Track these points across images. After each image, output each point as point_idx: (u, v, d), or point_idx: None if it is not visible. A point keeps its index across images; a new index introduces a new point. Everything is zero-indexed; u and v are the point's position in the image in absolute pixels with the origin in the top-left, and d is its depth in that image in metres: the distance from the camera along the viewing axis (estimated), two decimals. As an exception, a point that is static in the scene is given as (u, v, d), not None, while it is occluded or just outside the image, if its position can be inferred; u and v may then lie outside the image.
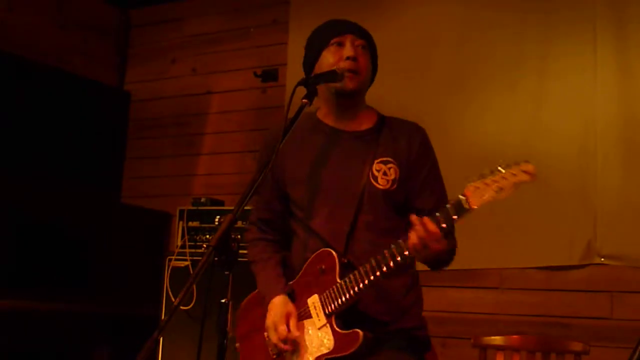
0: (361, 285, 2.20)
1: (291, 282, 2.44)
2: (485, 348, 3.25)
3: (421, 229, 2.06)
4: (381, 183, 2.35)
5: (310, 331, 2.32)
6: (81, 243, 4.53)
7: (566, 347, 3.15)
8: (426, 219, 2.06)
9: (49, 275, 4.26)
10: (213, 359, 1.89)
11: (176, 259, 4.23)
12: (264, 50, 5.15)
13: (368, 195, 2.33)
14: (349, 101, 2.43)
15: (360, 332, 2.21)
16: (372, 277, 2.18)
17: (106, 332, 4.48)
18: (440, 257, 2.20)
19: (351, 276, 2.23)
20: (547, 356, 3.16)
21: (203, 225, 4.27)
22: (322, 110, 2.51)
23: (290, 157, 2.47)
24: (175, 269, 4.21)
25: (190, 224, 4.34)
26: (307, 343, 2.32)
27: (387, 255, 2.16)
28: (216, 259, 1.78)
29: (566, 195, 3.98)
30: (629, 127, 3.91)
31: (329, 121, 2.49)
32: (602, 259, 3.87)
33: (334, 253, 2.31)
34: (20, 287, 4.09)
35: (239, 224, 4.12)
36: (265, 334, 2.42)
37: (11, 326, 3.98)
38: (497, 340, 3.24)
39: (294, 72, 4.79)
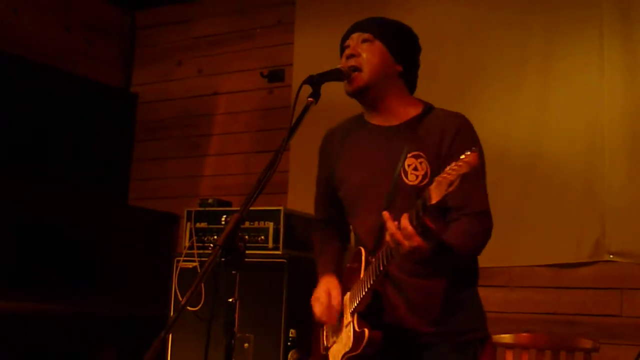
0: (371, 281, 2.18)
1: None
2: (494, 346, 3.25)
3: (391, 225, 1.99)
4: (410, 179, 2.27)
5: (342, 329, 2.34)
6: (88, 245, 4.53)
7: (576, 345, 3.14)
8: (403, 215, 1.99)
9: (56, 277, 4.27)
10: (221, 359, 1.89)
11: (184, 260, 4.23)
12: (269, 50, 5.15)
13: (398, 191, 2.27)
14: (367, 99, 2.41)
15: (367, 331, 2.20)
16: (378, 272, 2.15)
17: (114, 334, 4.48)
18: (425, 257, 2.03)
19: (366, 272, 2.23)
20: (556, 354, 3.15)
21: (211, 226, 4.26)
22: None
23: (337, 158, 2.50)
24: (184, 270, 4.20)
25: (197, 225, 4.32)
26: (339, 341, 2.35)
27: (384, 251, 2.12)
28: (223, 259, 1.78)
29: (574, 193, 3.97)
30: (636, 124, 3.88)
31: (369, 118, 2.47)
32: (611, 256, 3.85)
33: (362, 251, 2.32)
34: (28, 289, 4.09)
35: (246, 224, 4.13)
36: (323, 328, 2.48)
37: (19, 327, 3.98)
38: (506, 338, 3.24)
39: (300, 72, 4.79)
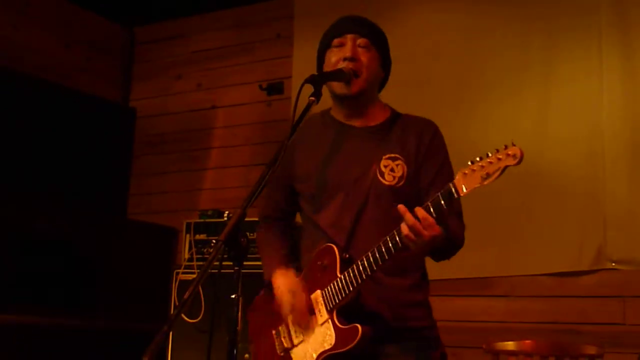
0: (359, 280, 2.18)
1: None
2: (497, 354, 3.22)
3: (410, 217, 2.03)
4: (387, 179, 2.32)
5: (314, 328, 2.30)
6: (89, 260, 4.51)
7: (580, 351, 3.13)
8: (417, 208, 2.04)
9: (55, 291, 4.24)
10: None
11: (184, 272, 4.21)
12: (268, 63, 5.16)
13: (374, 191, 2.32)
14: (355, 102, 2.41)
15: (359, 327, 2.18)
16: (369, 271, 2.16)
17: (114, 348, 4.45)
18: (437, 245, 2.11)
19: (350, 270, 2.21)
20: (560, 360, 3.13)
21: (210, 237, 4.26)
22: (334, 108, 2.51)
23: (301, 153, 2.48)
24: (183, 282, 4.19)
25: (197, 237, 4.32)
26: (310, 340, 2.30)
27: (382, 247, 2.13)
28: (226, 255, 1.76)
29: (575, 201, 3.96)
30: (636, 131, 3.90)
31: (340, 117, 2.48)
32: (613, 264, 3.84)
33: (335, 248, 2.29)
34: (27, 303, 4.07)
35: (248, 235, 4.11)
36: (273, 331, 2.41)
37: (19, 341, 3.96)
38: (509, 345, 3.22)
39: (299, 84, 4.77)
